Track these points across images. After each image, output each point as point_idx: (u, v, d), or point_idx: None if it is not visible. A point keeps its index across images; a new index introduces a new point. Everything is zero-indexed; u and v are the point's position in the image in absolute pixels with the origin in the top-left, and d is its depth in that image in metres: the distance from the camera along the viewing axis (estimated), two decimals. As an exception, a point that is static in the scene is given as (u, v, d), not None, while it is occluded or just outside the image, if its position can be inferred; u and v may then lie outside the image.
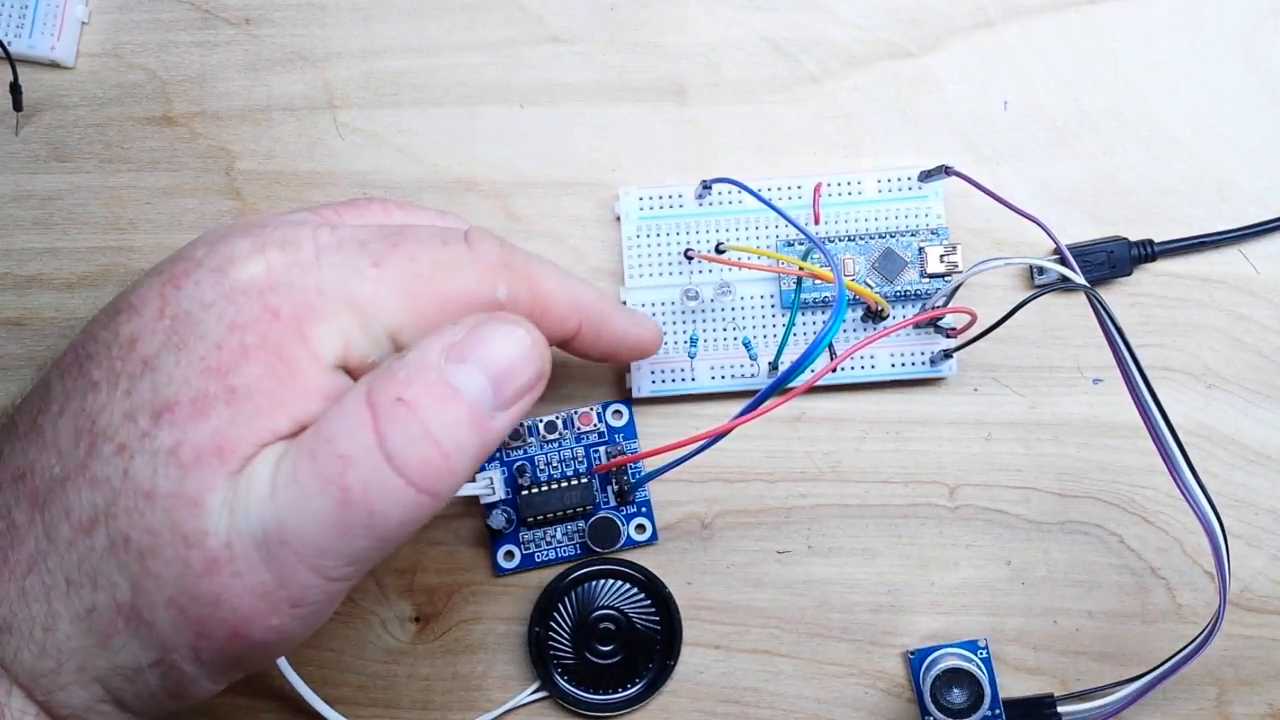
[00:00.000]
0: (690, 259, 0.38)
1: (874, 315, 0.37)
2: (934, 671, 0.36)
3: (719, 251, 0.37)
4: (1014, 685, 0.38)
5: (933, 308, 0.36)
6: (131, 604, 0.25)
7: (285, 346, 0.26)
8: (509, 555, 0.38)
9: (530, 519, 0.38)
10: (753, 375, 0.38)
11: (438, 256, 0.28)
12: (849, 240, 0.37)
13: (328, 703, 0.37)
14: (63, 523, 0.26)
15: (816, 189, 0.37)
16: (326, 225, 0.28)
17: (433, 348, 0.26)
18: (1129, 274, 0.38)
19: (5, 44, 0.38)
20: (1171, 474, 0.32)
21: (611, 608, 0.38)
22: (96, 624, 0.26)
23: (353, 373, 0.27)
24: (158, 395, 0.25)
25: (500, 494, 0.37)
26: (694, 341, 0.38)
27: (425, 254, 0.28)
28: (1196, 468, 0.32)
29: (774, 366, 0.38)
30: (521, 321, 0.28)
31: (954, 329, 0.37)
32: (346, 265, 0.27)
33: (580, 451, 0.38)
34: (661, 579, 0.38)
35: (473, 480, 0.38)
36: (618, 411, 0.38)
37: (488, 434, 0.26)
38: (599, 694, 0.38)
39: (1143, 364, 0.32)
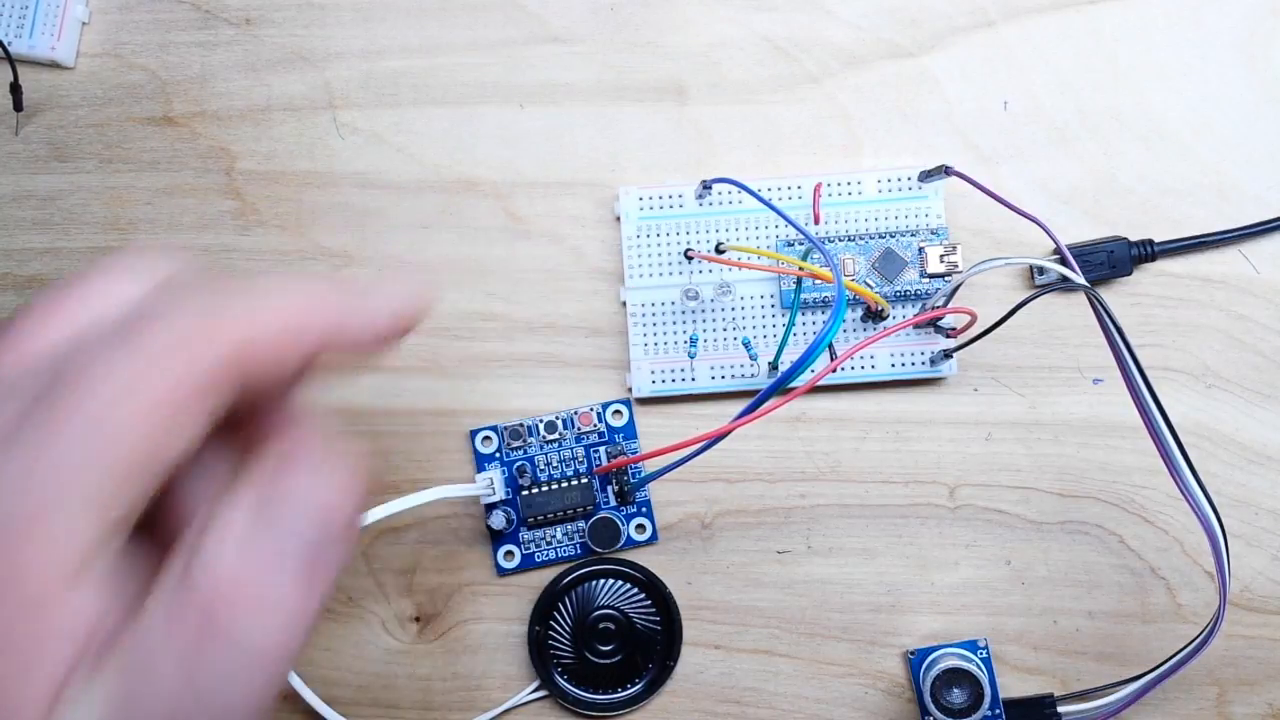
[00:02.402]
0: (690, 259, 0.38)
1: (874, 315, 0.37)
2: (934, 671, 0.36)
3: (719, 251, 0.37)
4: (1014, 685, 0.38)
5: (933, 308, 0.36)
6: None
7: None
8: (509, 555, 0.38)
9: (530, 519, 0.38)
10: (753, 375, 0.38)
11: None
12: (849, 240, 0.37)
13: (327, 703, 0.37)
14: None
15: (816, 189, 0.37)
16: None
17: (222, 546, 0.19)
18: (1129, 274, 0.38)
19: (5, 44, 0.38)
20: (1171, 474, 0.32)
21: (611, 608, 0.38)
22: None
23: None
24: None
25: (500, 494, 0.37)
26: (694, 341, 0.38)
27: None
28: (1196, 468, 0.32)
29: (774, 366, 0.38)
30: (322, 467, 0.20)
31: (954, 329, 0.37)
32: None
33: (580, 452, 0.38)
34: (661, 579, 0.38)
35: (473, 480, 0.38)
36: (618, 411, 0.38)
37: (312, 599, 0.20)
38: (599, 694, 0.38)
39: (1143, 364, 0.32)
